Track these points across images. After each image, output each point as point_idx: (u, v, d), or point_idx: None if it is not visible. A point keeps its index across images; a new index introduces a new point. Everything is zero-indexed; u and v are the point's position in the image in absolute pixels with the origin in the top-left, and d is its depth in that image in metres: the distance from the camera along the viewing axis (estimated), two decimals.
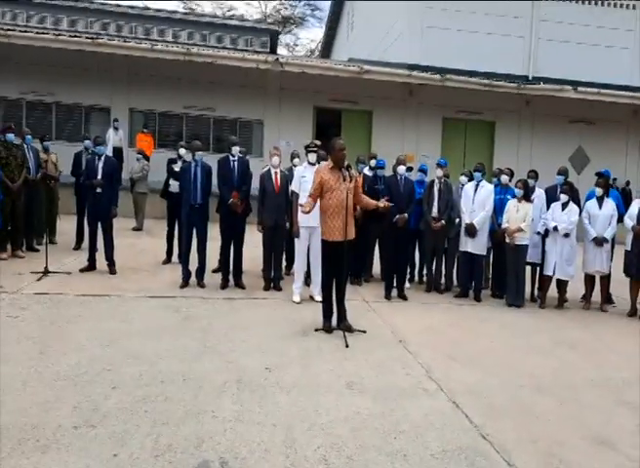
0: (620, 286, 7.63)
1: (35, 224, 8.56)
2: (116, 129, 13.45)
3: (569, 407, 4.13)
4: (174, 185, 8.36)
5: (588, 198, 7.81)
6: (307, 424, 3.52)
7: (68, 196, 9.59)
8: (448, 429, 3.60)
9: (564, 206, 7.28)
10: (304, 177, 6.60)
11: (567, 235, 7.22)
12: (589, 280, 7.54)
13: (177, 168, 8.43)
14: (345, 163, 5.53)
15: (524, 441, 3.52)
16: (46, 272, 6.98)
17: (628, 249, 7.20)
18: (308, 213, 5.53)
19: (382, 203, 5.80)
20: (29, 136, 8.54)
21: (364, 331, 5.52)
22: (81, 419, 3.38)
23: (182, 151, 8.68)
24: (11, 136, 8.00)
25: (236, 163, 7.08)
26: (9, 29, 13.29)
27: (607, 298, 7.59)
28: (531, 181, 7.62)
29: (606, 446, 3.53)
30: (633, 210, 7.25)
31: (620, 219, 7.47)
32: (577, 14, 16.64)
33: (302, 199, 6.50)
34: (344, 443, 3.31)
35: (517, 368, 4.92)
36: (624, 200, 8.76)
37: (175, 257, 8.32)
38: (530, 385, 4.50)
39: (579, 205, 7.53)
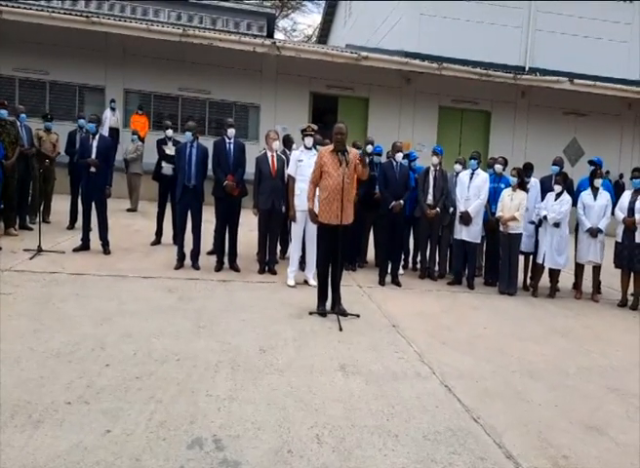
0: (611, 277, 7.68)
1: (29, 202, 8.49)
2: (113, 109, 13.34)
3: (559, 392, 4.18)
4: (166, 168, 8.35)
5: (580, 187, 7.84)
6: (301, 404, 3.54)
7: (62, 175, 9.51)
8: (440, 411, 3.64)
9: (557, 196, 7.29)
10: (301, 161, 6.58)
11: (557, 224, 7.23)
12: (580, 270, 7.59)
13: (168, 149, 8.40)
14: (345, 147, 5.49)
15: (514, 424, 3.56)
16: (39, 251, 6.93)
17: (619, 240, 7.23)
18: (311, 199, 5.54)
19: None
20: (24, 115, 8.45)
21: (357, 316, 5.54)
22: (74, 395, 3.38)
23: (170, 132, 8.66)
24: (3, 113, 7.89)
25: (232, 145, 7.04)
26: (1, 4, 13.04)
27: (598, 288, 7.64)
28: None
29: (595, 430, 3.58)
30: (624, 202, 7.24)
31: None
32: (575, 5, 16.52)
33: (299, 183, 6.50)
34: (337, 423, 3.33)
35: (509, 354, 4.96)
36: (616, 192, 8.81)
37: (164, 239, 8.33)
38: (521, 371, 4.55)
39: (572, 195, 7.55)
